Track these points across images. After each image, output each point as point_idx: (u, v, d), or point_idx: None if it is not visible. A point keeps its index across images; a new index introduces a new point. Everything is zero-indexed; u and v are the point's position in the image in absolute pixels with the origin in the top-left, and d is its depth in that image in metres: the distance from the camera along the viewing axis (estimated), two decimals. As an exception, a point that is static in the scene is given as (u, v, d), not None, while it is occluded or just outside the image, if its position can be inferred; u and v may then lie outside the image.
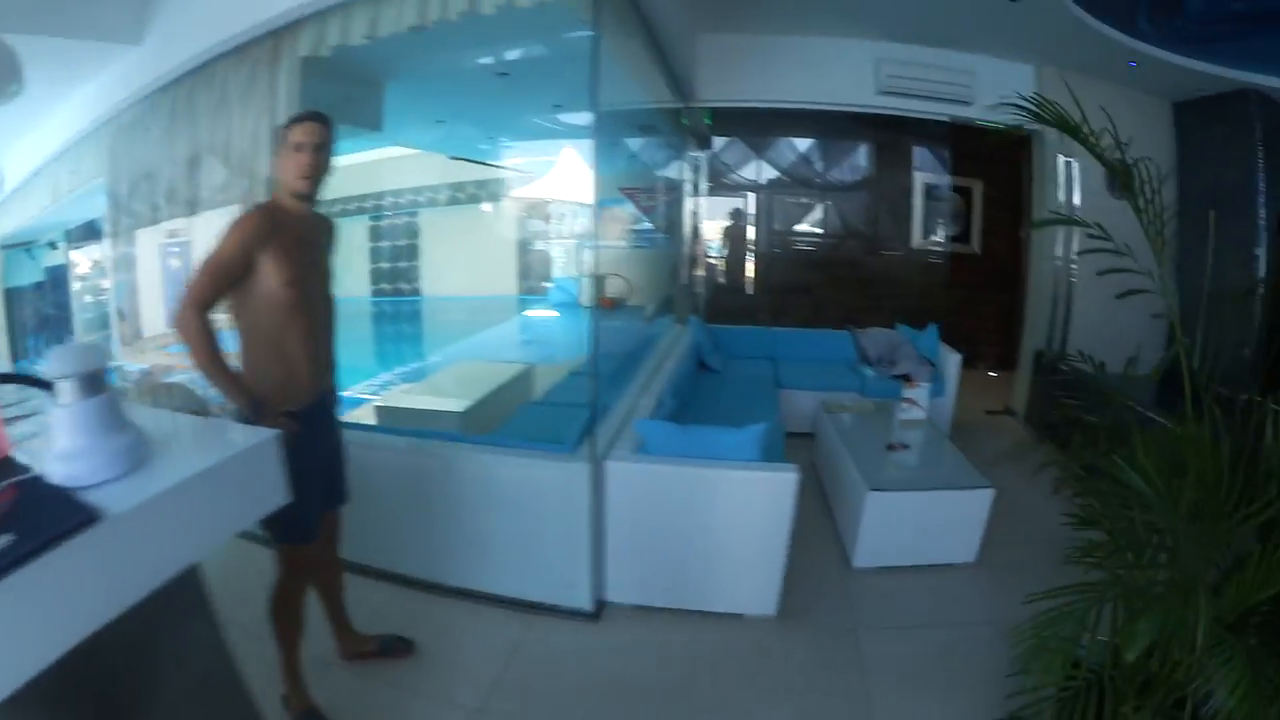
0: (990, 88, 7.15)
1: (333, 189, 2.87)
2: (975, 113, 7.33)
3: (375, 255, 14.73)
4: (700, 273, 9.34)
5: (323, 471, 2.93)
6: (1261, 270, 6.87)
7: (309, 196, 2.75)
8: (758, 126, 9.27)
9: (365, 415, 5.41)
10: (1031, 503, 4.75)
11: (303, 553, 2.88)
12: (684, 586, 3.89)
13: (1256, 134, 6.66)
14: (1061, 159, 7.15)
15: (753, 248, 9.76)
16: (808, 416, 6.34)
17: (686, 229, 9.05)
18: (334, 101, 5.82)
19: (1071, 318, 7.28)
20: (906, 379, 6.59)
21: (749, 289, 9.79)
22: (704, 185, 9.24)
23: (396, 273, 14.75)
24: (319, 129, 2.66)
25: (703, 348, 6.93)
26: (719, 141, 9.40)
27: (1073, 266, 7.26)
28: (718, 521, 3.75)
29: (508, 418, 5.54)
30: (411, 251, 14.68)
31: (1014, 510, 4.89)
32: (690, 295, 8.84)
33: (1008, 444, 7.17)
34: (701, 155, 8.99)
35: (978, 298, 9.97)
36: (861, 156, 9.51)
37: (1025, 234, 8.71)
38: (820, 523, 5.06)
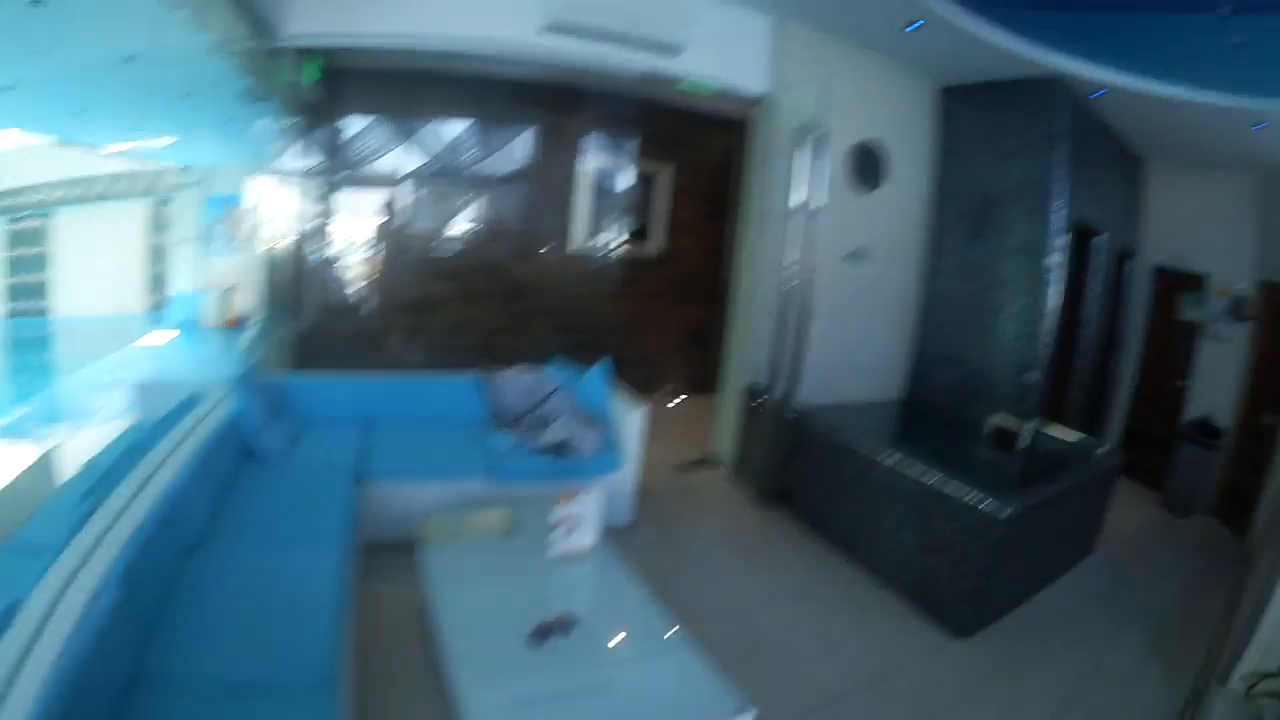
0: (708, 38, 5.24)
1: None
2: (686, 65, 5.22)
3: (15, 266, 11.20)
4: (310, 289, 6.52)
5: None
6: (1052, 282, 5.73)
7: None
8: (400, 99, 6.54)
9: None
10: (783, 632, 3.80)
11: None
12: None
13: (1058, 128, 5.63)
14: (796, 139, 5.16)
15: (383, 254, 6.95)
16: (417, 520, 3.43)
17: (289, 231, 6.25)
18: None
19: (797, 339, 5.36)
20: (560, 451, 4.27)
21: (373, 309, 6.95)
22: (328, 172, 6.54)
23: (31, 288, 11.30)
24: None
25: (249, 426, 3.87)
26: (360, 123, 6.64)
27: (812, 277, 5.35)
28: None
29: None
30: (41, 262, 11.24)
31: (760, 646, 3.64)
32: (275, 324, 5.98)
33: (721, 521, 5.14)
34: (315, 130, 6.26)
35: (659, 310, 8.07)
36: (527, 139, 7.11)
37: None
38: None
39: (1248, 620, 3.46)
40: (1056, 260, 5.63)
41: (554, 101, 6.84)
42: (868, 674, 3.52)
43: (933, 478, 4.12)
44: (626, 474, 4.52)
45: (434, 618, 2.63)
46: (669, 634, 2.64)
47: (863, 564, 4.55)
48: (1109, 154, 6.72)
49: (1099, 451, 5.38)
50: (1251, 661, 3.26)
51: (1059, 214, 5.63)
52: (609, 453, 4.45)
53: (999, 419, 5.61)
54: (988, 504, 3.80)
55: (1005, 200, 5.87)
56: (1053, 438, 5.59)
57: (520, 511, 3.41)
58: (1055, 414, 6.31)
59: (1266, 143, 5.82)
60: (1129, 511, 6.55)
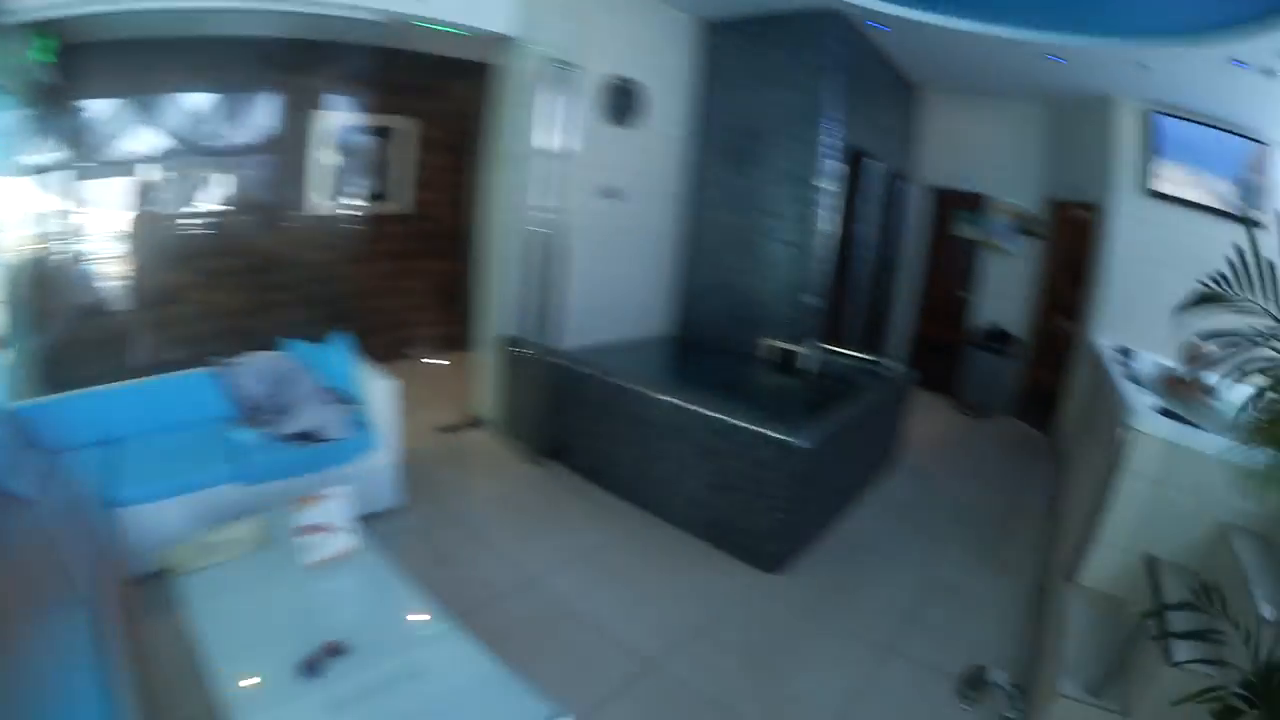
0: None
1: None
2: (429, 6, 4.78)
3: None
4: (58, 295, 5.74)
5: None
6: (824, 206, 5.78)
7: None
8: (141, 73, 5.72)
9: None
10: (584, 598, 3.58)
11: None
12: None
13: (831, 59, 5.61)
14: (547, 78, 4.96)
15: (130, 245, 6.04)
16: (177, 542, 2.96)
17: (33, 233, 5.49)
18: None
19: (554, 284, 5.23)
20: (309, 439, 3.90)
21: (122, 308, 6.03)
22: (71, 162, 5.56)
23: None
24: None
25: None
26: (102, 104, 5.82)
27: (566, 218, 5.18)
28: None
29: None
30: None
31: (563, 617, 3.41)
32: (24, 341, 5.27)
33: (496, 485, 4.83)
34: (54, 116, 5.46)
35: (410, 269, 7.61)
36: (270, 104, 6.42)
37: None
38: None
39: (1086, 517, 3.50)
40: (829, 186, 5.68)
41: (295, 61, 6.29)
42: (685, 627, 3.35)
43: (717, 411, 3.98)
44: (386, 451, 4.17)
45: (201, 651, 2.28)
46: (455, 639, 2.36)
47: (654, 511, 4.41)
48: (885, 82, 6.83)
49: (889, 365, 5.51)
50: (1099, 560, 3.32)
51: (831, 141, 5.66)
52: (362, 432, 4.09)
53: (779, 342, 5.68)
54: (780, 434, 3.70)
55: (775, 130, 5.84)
56: (839, 357, 5.70)
57: (276, 516, 3.00)
58: (838, 334, 6.46)
59: (1057, 73, 6.03)
60: (929, 421, 6.79)
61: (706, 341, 6.33)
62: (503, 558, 3.88)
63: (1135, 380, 4.41)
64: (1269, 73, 4.72)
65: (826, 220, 5.72)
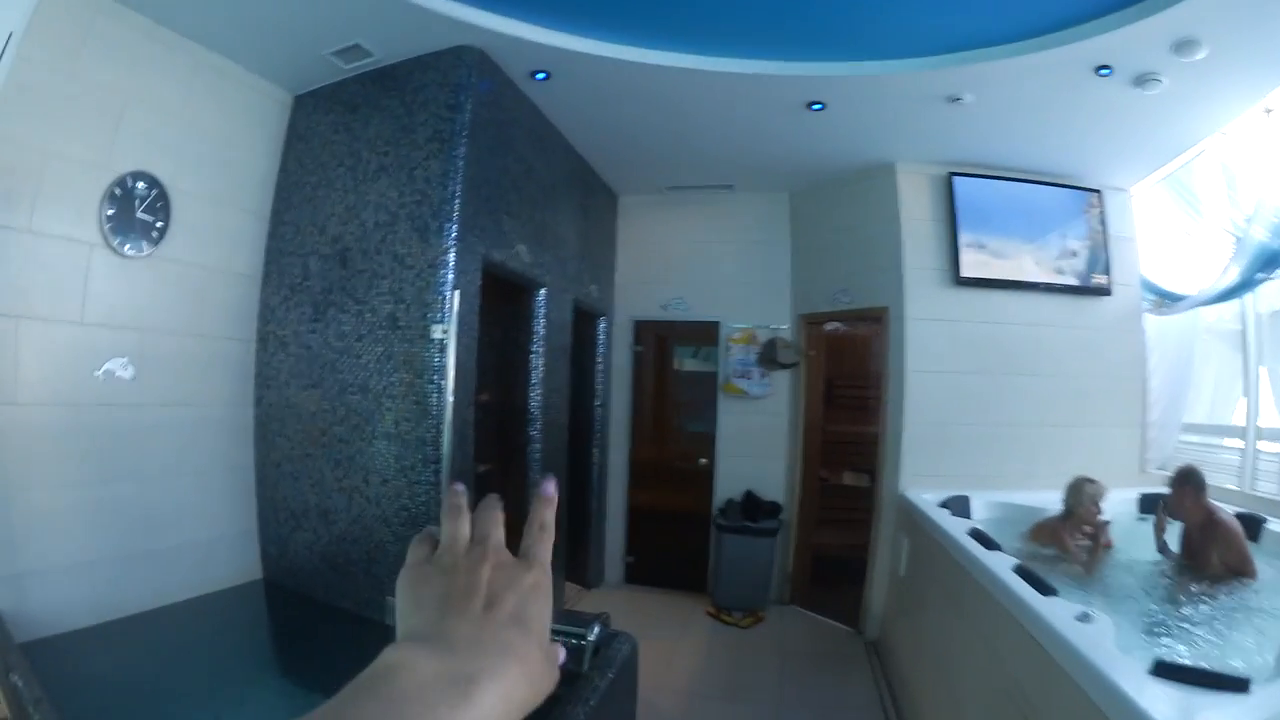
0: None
1: None
2: None
3: None
4: None
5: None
6: (449, 368, 3.35)
7: None
8: None
9: None
10: None
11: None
12: None
13: (455, 123, 3.43)
14: None
15: None
16: None
17: None
18: None
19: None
20: None
21: None
22: None
23: None
24: None
25: None
26: None
27: None
28: None
29: None
30: None
31: None
32: None
33: None
34: None
35: None
36: None
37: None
38: None
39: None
40: (449, 331, 3.32)
41: None
42: None
43: None
44: None
45: None
46: None
47: None
48: (563, 176, 4.81)
49: (591, 630, 2.99)
50: None
51: (468, 260, 3.48)
52: None
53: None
54: None
55: (373, 249, 3.55)
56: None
57: None
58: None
59: (808, 143, 4.68)
60: (679, 648, 4.73)
61: (309, 594, 3.63)
62: None
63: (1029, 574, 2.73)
64: (1144, 80, 3.42)
65: (450, 389, 3.32)
